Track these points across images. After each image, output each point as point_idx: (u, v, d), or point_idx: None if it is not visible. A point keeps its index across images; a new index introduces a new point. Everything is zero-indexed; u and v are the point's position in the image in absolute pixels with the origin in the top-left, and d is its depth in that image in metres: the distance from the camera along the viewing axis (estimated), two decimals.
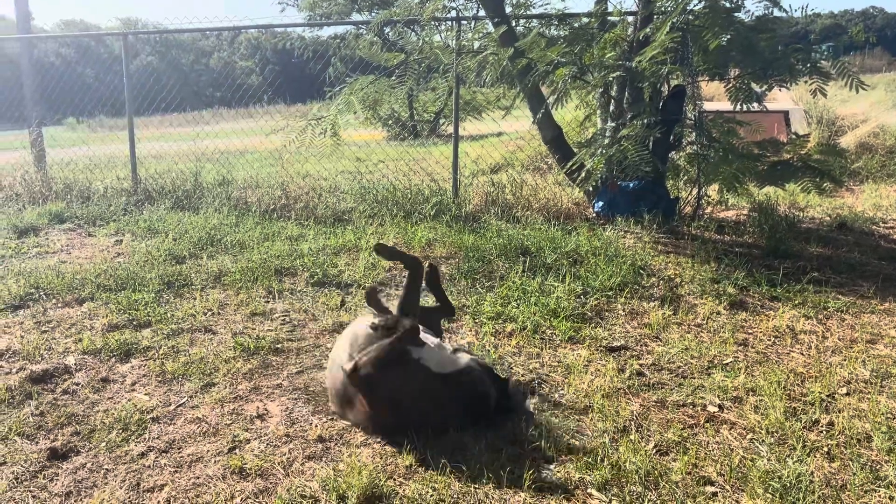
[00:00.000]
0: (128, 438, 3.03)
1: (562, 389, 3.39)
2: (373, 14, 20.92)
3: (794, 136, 6.64)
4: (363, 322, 3.24)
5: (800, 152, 6.35)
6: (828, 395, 3.28)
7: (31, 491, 2.66)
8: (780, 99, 15.10)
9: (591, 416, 3.10)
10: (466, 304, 4.60)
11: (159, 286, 5.09)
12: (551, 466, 2.68)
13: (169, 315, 4.53)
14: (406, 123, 19.62)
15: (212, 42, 69.13)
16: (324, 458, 2.82)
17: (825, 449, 2.80)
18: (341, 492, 2.54)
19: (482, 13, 7.36)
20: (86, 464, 2.84)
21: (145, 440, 3.01)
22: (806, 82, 6.12)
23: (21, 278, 5.30)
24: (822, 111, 13.29)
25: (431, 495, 2.52)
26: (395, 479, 2.63)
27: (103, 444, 2.98)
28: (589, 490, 2.54)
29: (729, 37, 5.40)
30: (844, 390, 3.34)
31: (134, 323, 4.42)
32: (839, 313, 4.38)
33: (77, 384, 3.59)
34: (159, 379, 3.63)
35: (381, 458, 2.79)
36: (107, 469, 2.80)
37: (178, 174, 9.35)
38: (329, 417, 3.16)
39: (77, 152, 11.06)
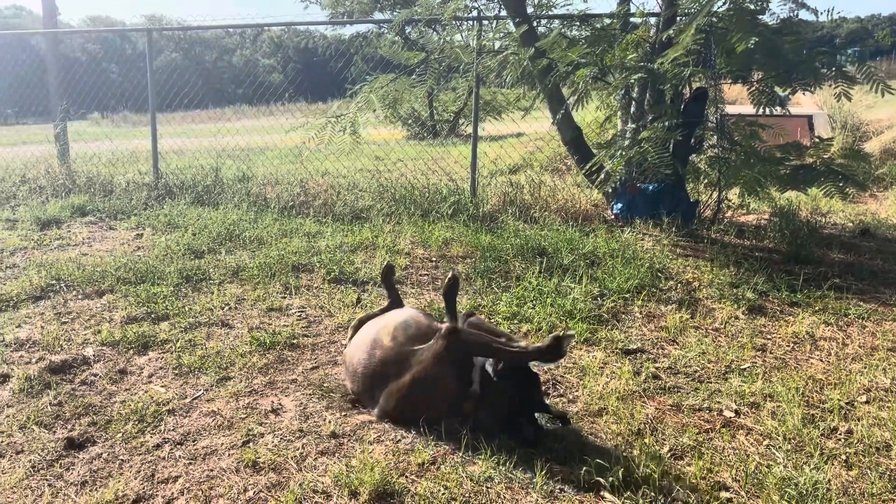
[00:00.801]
0: (143, 430, 3.05)
1: (576, 391, 3.38)
2: (394, 13, 20.95)
3: (817, 140, 6.56)
4: (414, 312, 3.29)
5: (823, 156, 6.27)
6: (847, 403, 3.23)
7: (47, 479, 2.69)
8: (803, 103, 14.93)
9: (606, 418, 3.08)
10: (482, 304, 4.59)
11: (178, 280, 5.13)
12: (564, 468, 2.67)
13: (187, 309, 4.57)
14: (426, 123, 19.63)
15: (235, 40, 69.71)
16: (337, 454, 2.83)
17: (843, 457, 2.77)
18: (353, 488, 2.54)
19: (503, 13, 7.35)
20: (102, 454, 2.87)
21: (161, 432, 3.04)
22: (830, 86, 6.05)
23: (43, 270, 5.36)
24: (847, 116, 13.12)
25: (443, 493, 2.52)
26: (407, 477, 2.63)
27: (119, 434, 3.01)
28: (602, 493, 2.52)
29: (758, 40, 5.34)
30: (864, 398, 3.29)
31: (152, 316, 4.46)
32: (860, 320, 4.32)
33: (95, 375, 3.63)
34: (176, 372, 3.66)
35: (394, 455, 2.79)
36: (122, 459, 2.82)
37: (198, 170, 9.42)
38: (343, 413, 3.17)
39: (100, 147, 11.20)
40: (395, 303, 3.74)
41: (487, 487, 2.55)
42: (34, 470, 2.75)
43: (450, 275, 3.67)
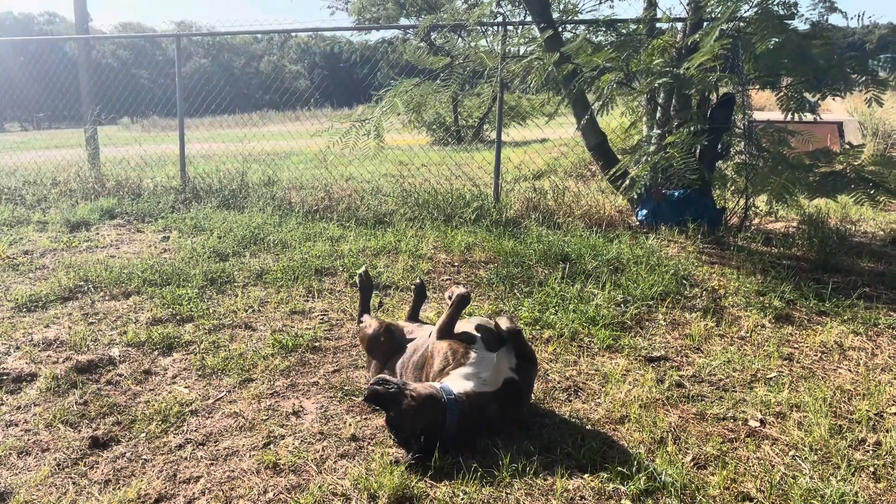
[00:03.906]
0: (167, 430, 3.08)
1: (598, 398, 3.34)
2: (420, 19, 21.04)
3: (847, 147, 6.45)
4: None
5: (853, 163, 6.17)
6: (875, 414, 3.16)
7: (71, 478, 2.73)
8: (833, 110, 14.71)
9: (628, 426, 3.04)
10: (504, 309, 4.57)
11: (203, 282, 5.19)
12: (584, 475, 2.64)
13: (211, 311, 4.61)
14: (450, 128, 19.68)
15: (263, 46, 70.56)
16: (356, 457, 2.83)
17: (871, 469, 2.71)
18: (372, 491, 2.54)
19: (528, 18, 7.34)
20: (125, 453, 2.90)
21: (183, 432, 3.07)
22: (861, 92, 5.94)
23: (71, 271, 5.45)
24: (879, 123, 12.91)
25: (462, 499, 2.50)
26: (426, 481, 2.62)
27: (143, 434, 3.04)
28: (623, 501, 2.49)
29: (778, 41, 5.26)
30: (893, 409, 3.22)
31: (177, 317, 4.51)
32: (890, 330, 4.23)
33: (120, 375, 3.67)
34: (199, 373, 3.69)
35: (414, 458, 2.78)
36: (145, 459, 2.85)
37: (225, 174, 9.52)
38: (363, 416, 3.17)
39: (130, 151, 11.37)
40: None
41: (507, 493, 2.54)
42: (59, 468, 2.79)
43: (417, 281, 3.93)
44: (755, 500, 2.51)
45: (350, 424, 3.09)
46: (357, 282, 4.02)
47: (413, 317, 3.87)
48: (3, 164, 11.87)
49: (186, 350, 4.00)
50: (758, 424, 3.09)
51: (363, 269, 3.98)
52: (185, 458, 2.85)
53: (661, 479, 2.58)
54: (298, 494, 2.58)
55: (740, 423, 3.10)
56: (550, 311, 4.48)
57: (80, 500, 2.58)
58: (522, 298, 4.76)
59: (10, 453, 2.90)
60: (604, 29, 7.08)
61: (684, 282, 5.03)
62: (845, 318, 4.41)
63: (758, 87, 6.83)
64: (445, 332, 3.08)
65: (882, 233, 6.78)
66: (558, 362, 3.77)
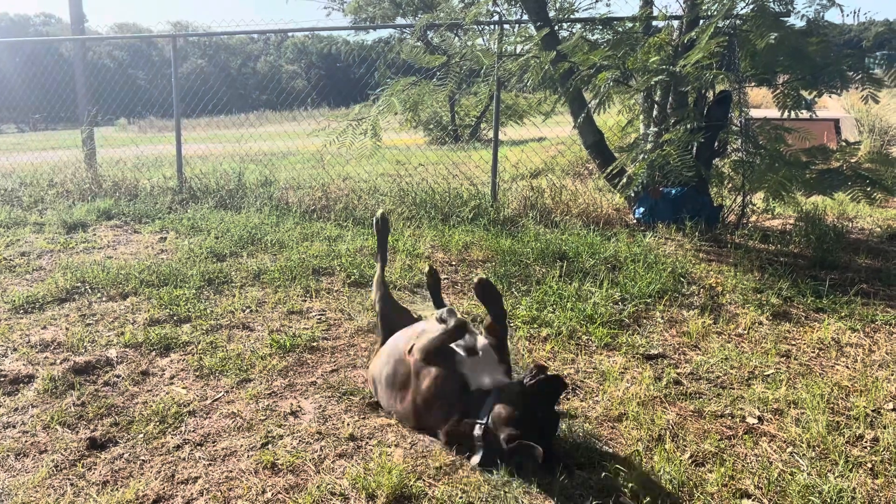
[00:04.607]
0: (164, 431, 3.08)
1: (596, 396, 3.35)
2: (416, 18, 21.05)
3: (844, 144, 6.45)
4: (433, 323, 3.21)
5: (850, 160, 6.18)
6: (873, 410, 3.17)
7: (69, 479, 2.72)
8: (830, 107, 14.73)
9: (626, 423, 3.05)
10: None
11: (200, 283, 5.18)
12: (583, 473, 2.64)
13: (208, 311, 4.61)
14: (447, 127, 19.67)
15: (259, 46, 70.53)
16: (355, 457, 2.83)
17: (869, 465, 2.71)
18: (371, 490, 2.54)
19: (525, 17, 7.34)
20: (123, 454, 2.89)
21: (181, 433, 3.06)
22: (857, 89, 5.95)
23: (68, 272, 5.44)
24: (875, 120, 12.93)
25: (461, 497, 2.50)
26: (424, 480, 2.62)
27: (141, 435, 3.04)
28: (621, 499, 2.49)
29: (777, 36, 5.27)
30: (891, 405, 3.22)
31: (174, 318, 4.50)
32: (887, 326, 4.24)
33: (118, 376, 3.67)
34: (197, 373, 3.69)
35: (412, 458, 2.78)
36: (143, 460, 2.85)
37: (222, 174, 9.52)
38: (361, 416, 3.17)
39: (126, 152, 11.37)
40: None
41: (505, 492, 2.54)
42: (57, 469, 2.79)
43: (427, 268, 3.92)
44: (753, 497, 2.52)
45: (348, 424, 3.09)
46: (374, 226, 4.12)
47: (436, 304, 3.91)
48: (0, 165, 11.85)
49: (184, 351, 4.00)
50: (755, 421, 3.09)
51: (380, 213, 4.06)
52: (183, 459, 2.85)
53: (659, 476, 2.58)
54: (297, 494, 2.57)
55: (738, 420, 3.11)
56: (548, 309, 4.48)
57: (78, 502, 2.57)
58: (520, 297, 4.76)
59: (8, 455, 2.90)
60: (600, 27, 7.08)
61: (682, 279, 5.03)
62: (842, 314, 4.41)
63: (754, 84, 6.84)
64: (428, 355, 2.95)
65: (879, 229, 6.79)
66: (556, 361, 3.77)
